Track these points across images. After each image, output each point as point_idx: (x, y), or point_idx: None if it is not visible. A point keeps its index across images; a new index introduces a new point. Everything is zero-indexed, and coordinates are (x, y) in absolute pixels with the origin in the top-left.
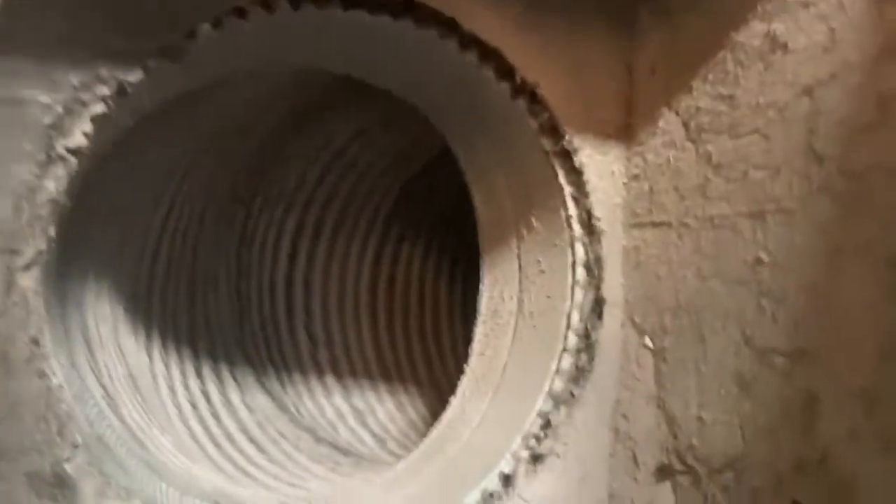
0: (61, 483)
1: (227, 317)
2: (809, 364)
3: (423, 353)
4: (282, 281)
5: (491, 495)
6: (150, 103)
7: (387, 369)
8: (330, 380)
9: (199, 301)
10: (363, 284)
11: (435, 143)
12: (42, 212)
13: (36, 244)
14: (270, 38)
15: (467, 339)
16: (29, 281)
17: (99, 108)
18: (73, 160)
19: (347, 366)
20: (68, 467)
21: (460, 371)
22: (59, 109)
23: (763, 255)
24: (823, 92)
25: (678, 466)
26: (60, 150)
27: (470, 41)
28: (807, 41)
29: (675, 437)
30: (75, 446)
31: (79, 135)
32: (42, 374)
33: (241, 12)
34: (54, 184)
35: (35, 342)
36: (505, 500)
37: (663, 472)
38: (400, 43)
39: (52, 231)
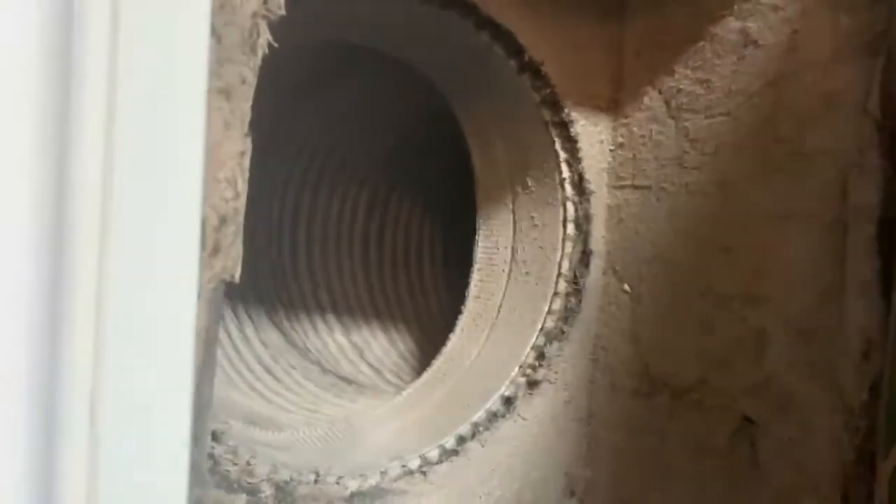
0: None
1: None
2: (761, 308)
3: (410, 294)
4: (288, 228)
5: (494, 414)
6: None
7: (378, 309)
8: (331, 318)
9: None
10: (357, 232)
11: (430, 105)
12: None
13: None
14: (314, 19)
15: (448, 282)
16: None
17: None
18: None
19: (345, 305)
20: None
21: (442, 310)
22: None
23: (727, 219)
24: (786, 85)
25: (649, 390)
26: None
27: (485, 22)
28: (774, 40)
29: (648, 365)
30: None
31: None
32: None
33: None
34: None
35: None
36: (507, 417)
37: (637, 394)
38: (424, 23)
39: None
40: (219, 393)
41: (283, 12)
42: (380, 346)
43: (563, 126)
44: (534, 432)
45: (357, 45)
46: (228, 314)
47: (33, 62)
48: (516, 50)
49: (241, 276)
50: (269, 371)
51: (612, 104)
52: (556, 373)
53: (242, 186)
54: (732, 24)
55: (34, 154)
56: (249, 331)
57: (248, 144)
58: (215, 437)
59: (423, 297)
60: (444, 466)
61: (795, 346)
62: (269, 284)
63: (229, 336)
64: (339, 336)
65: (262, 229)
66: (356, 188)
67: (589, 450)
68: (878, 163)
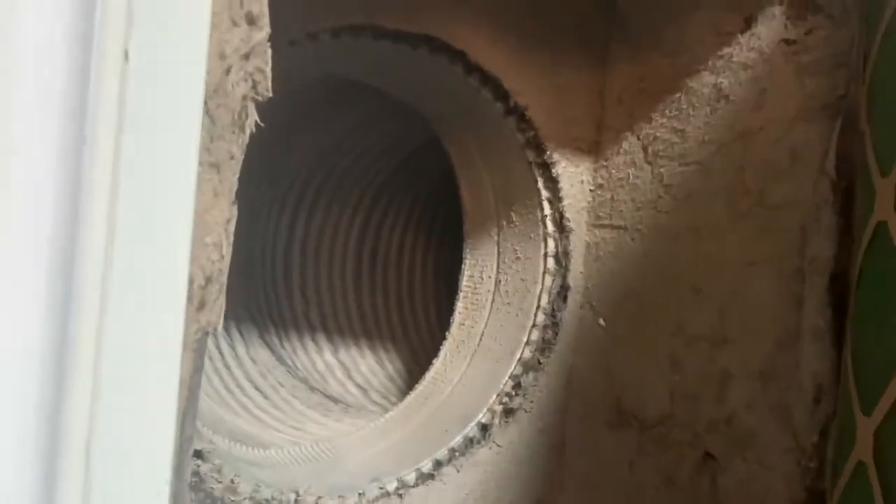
0: None
1: (234, 278)
2: (726, 348)
3: (399, 315)
4: (282, 248)
5: (471, 440)
6: None
7: (368, 329)
8: (320, 337)
9: None
10: (350, 253)
11: (424, 132)
12: None
13: None
14: (314, 59)
15: (437, 303)
16: None
17: None
18: None
19: (335, 325)
20: None
21: (430, 331)
22: None
23: (697, 262)
24: (754, 139)
25: (620, 422)
26: None
27: (473, 68)
28: (745, 96)
29: (619, 398)
30: None
31: None
32: None
33: (291, 42)
34: None
35: None
36: (483, 444)
37: (609, 426)
38: (416, 65)
39: None
40: (208, 410)
41: (270, 94)
42: (367, 367)
43: (546, 167)
44: (508, 459)
45: (354, 81)
46: (221, 333)
47: (52, 161)
48: (502, 94)
49: (236, 295)
50: (257, 388)
51: (594, 147)
52: (531, 402)
53: (227, 249)
54: (707, 78)
55: (46, 238)
56: (241, 349)
57: (234, 212)
58: (202, 455)
59: (412, 319)
60: (420, 490)
61: (755, 387)
62: (262, 303)
63: (221, 354)
64: (328, 355)
65: (256, 249)
66: (350, 212)
67: (561, 477)
68: (833, 220)
